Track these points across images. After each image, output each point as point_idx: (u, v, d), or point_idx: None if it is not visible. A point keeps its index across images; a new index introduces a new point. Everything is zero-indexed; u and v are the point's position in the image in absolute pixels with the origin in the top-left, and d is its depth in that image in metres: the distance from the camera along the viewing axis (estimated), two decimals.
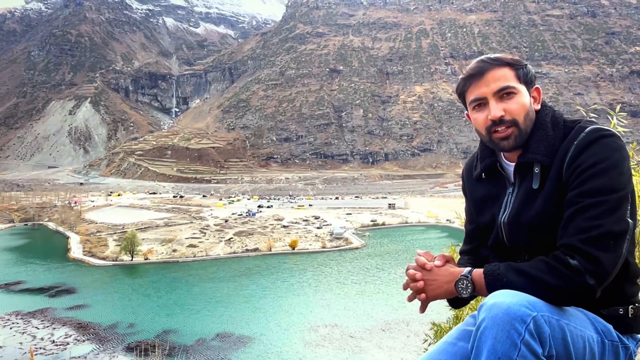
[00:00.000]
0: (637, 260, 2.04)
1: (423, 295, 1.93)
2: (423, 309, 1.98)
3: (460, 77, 2.03)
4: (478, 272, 1.82)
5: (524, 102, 1.92)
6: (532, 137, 1.92)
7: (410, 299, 1.98)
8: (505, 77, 1.91)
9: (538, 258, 1.73)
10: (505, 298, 1.60)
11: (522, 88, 1.93)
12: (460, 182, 2.30)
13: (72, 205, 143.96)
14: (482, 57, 1.99)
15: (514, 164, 1.99)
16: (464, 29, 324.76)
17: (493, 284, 1.75)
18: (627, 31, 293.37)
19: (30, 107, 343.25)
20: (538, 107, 1.99)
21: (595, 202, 1.68)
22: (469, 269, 1.87)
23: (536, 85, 2.00)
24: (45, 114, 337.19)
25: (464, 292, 1.83)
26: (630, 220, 1.70)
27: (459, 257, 2.34)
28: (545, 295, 1.65)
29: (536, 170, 1.88)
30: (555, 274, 1.66)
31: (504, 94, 1.90)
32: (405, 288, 1.99)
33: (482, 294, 1.82)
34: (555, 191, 1.82)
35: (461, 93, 2.05)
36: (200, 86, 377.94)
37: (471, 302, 3.57)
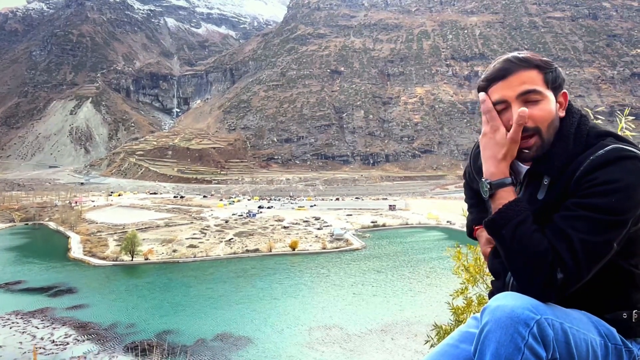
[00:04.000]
0: None
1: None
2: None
3: (484, 75, 1.92)
4: (507, 194, 1.78)
5: (549, 109, 1.82)
6: (551, 148, 1.84)
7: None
8: (532, 80, 1.81)
9: (544, 248, 1.66)
10: (508, 301, 1.59)
11: (549, 94, 1.83)
12: (461, 184, 2.26)
13: (73, 205, 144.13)
14: (509, 56, 1.89)
15: (526, 166, 1.92)
16: (465, 31, 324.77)
17: (491, 225, 1.77)
18: (629, 33, 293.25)
19: (32, 106, 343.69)
20: (563, 113, 1.89)
21: (589, 216, 1.65)
22: (510, 180, 1.81)
23: (564, 90, 1.90)
24: (47, 113, 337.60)
25: (483, 192, 1.83)
26: (615, 246, 1.67)
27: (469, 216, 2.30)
28: (515, 275, 1.71)
29: (545, 182, 1.84)
30: (537, 271, 1.65)
31: (529, 99, 1.80)
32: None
33: (490, 208, 1.83)
34: (556, 200, 1.78)
35: (482, 91, 1.92)
36: (202, 87, 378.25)
37: (474, 303, 3.70)
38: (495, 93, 1.85)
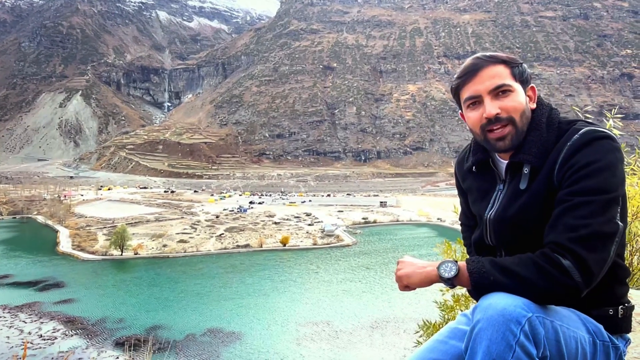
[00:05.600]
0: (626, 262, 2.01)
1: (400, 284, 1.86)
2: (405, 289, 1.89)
3: (455, 75, 2.01)
4: (462, 263, 1.78)
5: (520, 100, 1.89)
6: (526, 138, 1.90)
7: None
8: (500, 74, 1.89)
9: (526, 256, 1.69)
10: (500, 299, 1.60)
11: (517, 86, 1.90)
12: (453, 181, 2.28)
13: (62, 198, 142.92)
14: (477, 54, 1.97)
15: (506, 161, 1.97)
16: (458, 29, 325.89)
17: (479, 282, 1.72)
18: (619, 34, 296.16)
19: (20, 98, 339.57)
20: (534, 106, 1.96)
21: (586, 200, 1.67)
22: (446, 275, 1.79)
23: (531, 85, 1.97)
24: (36, 106, 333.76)
25: (447, 274, 1.76)
26: (620, 223, 1.70)
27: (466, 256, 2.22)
28: (532, 296, 1.63)
29: (525, 171, 1.87)
30: (544, 275, 1.63)
31: (500, 91, 1.88)
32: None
33: (464, 285, 1.79)
34: (543, 192, 1.81)
35: (455, 92, 2.03)
36: (193, 81, 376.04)
37: (461, 300, 3.68)
38: (467, 91, 1.95)
